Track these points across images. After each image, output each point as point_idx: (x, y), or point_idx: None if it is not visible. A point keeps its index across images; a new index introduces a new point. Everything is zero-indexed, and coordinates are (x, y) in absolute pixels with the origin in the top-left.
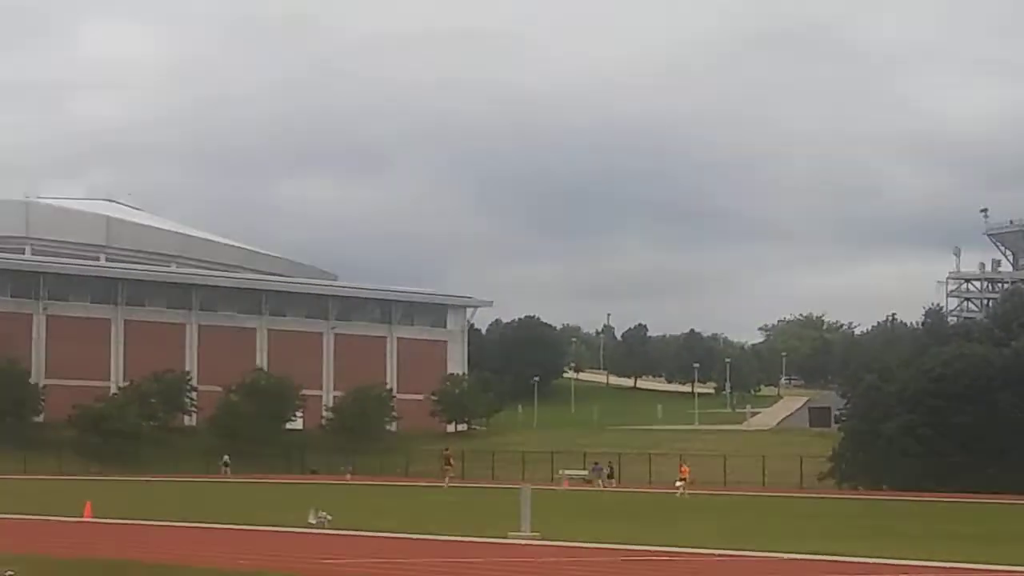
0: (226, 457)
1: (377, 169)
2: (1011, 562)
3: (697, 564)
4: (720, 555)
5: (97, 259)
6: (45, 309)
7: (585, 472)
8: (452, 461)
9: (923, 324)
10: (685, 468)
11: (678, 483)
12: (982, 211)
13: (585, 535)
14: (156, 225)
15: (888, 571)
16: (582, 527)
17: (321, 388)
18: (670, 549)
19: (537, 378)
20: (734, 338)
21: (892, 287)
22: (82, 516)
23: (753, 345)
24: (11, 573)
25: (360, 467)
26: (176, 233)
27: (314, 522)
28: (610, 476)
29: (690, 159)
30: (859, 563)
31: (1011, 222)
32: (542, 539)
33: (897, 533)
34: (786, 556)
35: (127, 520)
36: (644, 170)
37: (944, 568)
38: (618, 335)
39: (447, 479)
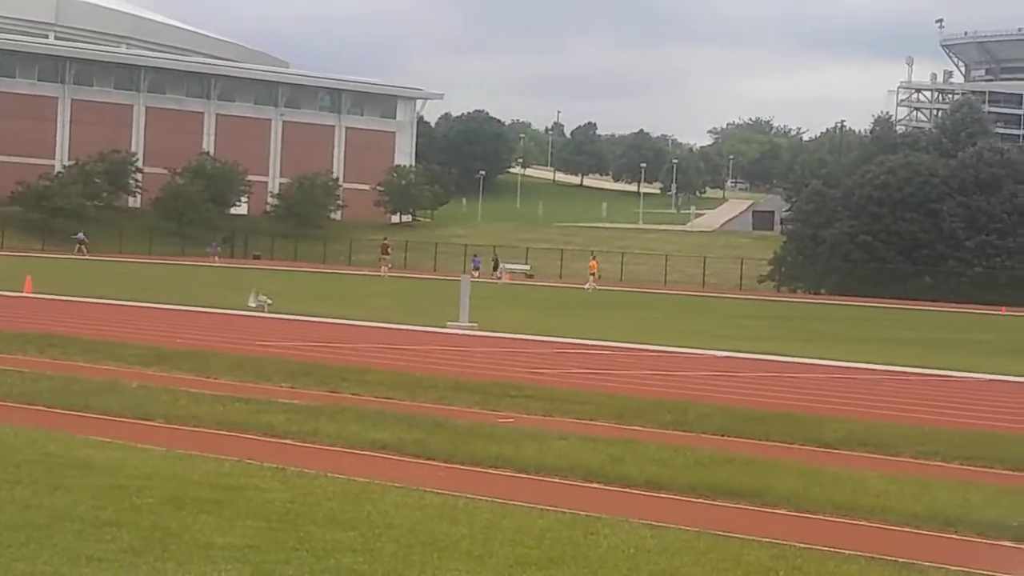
0: (81, 234)
1: None
2: (942, 366)
3: (631, 357)
4: (653, 350)
5: (46, 37)
6: None
7: (527, 267)
8: (390, 251)
9: (871, 132)
10: (593, 263)
11: (590, 277)
12: (937, 21)
13: (523, 327)
14: (107, 5)
15: (819, 370)
16: (520, 319)
17: (267, 175)
18: (602, 342)
19: (483, 172)
20: (682, 140)
21: (842, 94)
22: (21, 291)
23: (701, 147)
24: None
25: (303, 254)
26: (127, 14)
27: (254, 305)
28: (494, 269)
29: None
30: (791, 362)
31: (965, 33)
32: (480, 330)
33: (831, 335)
34: (719, 353)
35: (66, 296)
36: None
37: (875, 370)
38: (567, 132)
39: (384, 269)
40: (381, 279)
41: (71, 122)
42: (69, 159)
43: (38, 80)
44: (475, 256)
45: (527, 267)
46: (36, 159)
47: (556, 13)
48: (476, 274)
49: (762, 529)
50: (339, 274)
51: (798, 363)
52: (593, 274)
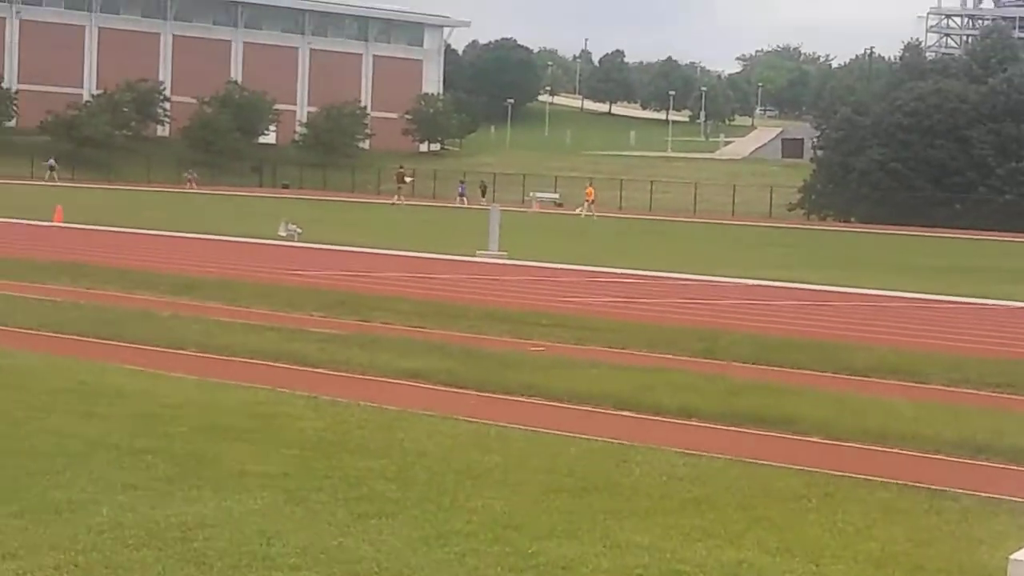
0: (52, 160)
1: None
2: (972, 294)
3: (661, 285)
4: (683, 278)
5: None
6: (18, 13)
7: (556, 195)
8: (406, 179)
9: (901, 59)
10: (590, 189)
11: (586, 203)
12: None
13: (552, 256)
14: None
15: (849, 299)
16: (550, 248)
17: (295, 103)
18: (632, 271)
19: (511, 100)
20: (711, 67)
21: (872, 21)
22: (52, 220)
23: (729, 75)
24: None
25: (332, 183)
26: None
27: (284, 235)
28: (483, 193)
29: None
30: (821, 290)
31: None
32: (509, 258)
33: (861, 263)
34: (750, 281)
35: (97, 226)
36: None
37: (905, 297)
38: (595, 60)
39: (397, 197)
40: (398, 206)
41: (98, 51)
42: (97, 88)
43: (65, 8)
44: (460, 182)
45: (556, 196)
46: (64, 88)
47: None
48: (464, 200)
49: (793, 457)
50: (368, 203)
51: (828, 291)
52: (590, 200)
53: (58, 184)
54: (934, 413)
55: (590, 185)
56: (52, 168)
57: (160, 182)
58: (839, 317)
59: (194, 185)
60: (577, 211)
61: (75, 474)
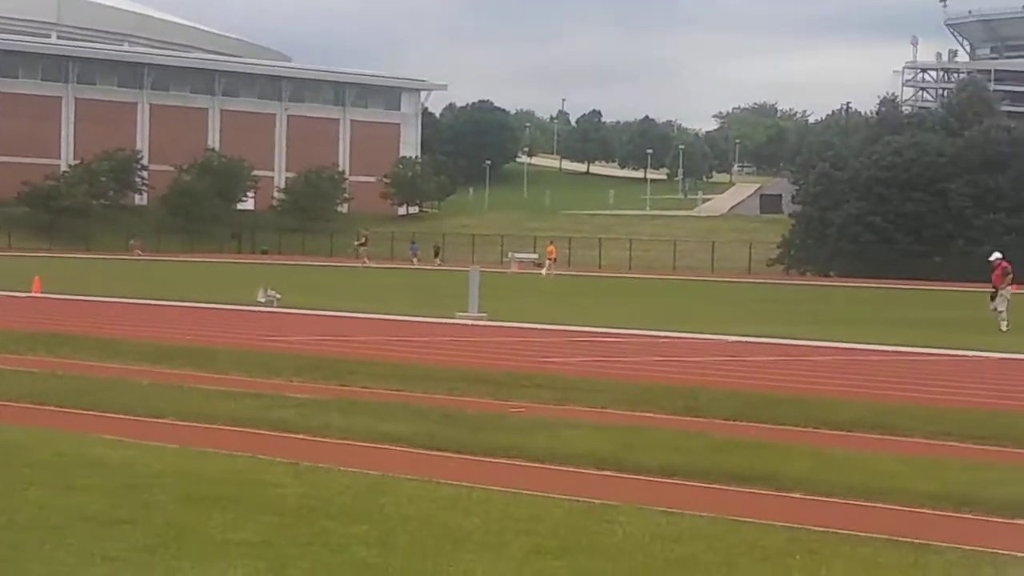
0: None
1: None
2: (952, 346)
3: (640, 343)
4: (663, 336)
5: (48, 36)
6: None
7: (535, 256)
8: (367, 242)
9: (877, 113)
10: (552, 248)
11: (545, 264)
12: (941, 1)
13: (532, 316)
14: (108, 3)
15: (829, 353)
16: (530, 309)
17: (273, 169)
18: (613, 330)
19: (490, 162)
20: (688, 125)
21: (848, 76)
22: (31, 291)
23: (707, 132)
24: None
25: (311, 248)
26: (128, 11)
27: (263, 300)
28: (436, 254)
29: None
30: (801, 345)
31: (970, 12)
32: (489, 320)
33: (841, 317)
34: (730, 338)
35: (75, 296)
36: None
37: (885, 351)
38: (572, 121)
39: (364, 259)
40: (367, 268)
41: (75, 121)
42: (74, 158)
43: (41, 80)
44: (412, 243)
45: (535, 256)
46: (41, 159)
47: (553, 2)
48: (416, 261)
49: (777, 513)
50: (347, 267)
51: (808, 346)
52: (551, 259)
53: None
54: (915, 467)
55: (551, 244)
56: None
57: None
58: (819, 372)
59: (139, 252)
60: (543, 271)
61: (54, 547)
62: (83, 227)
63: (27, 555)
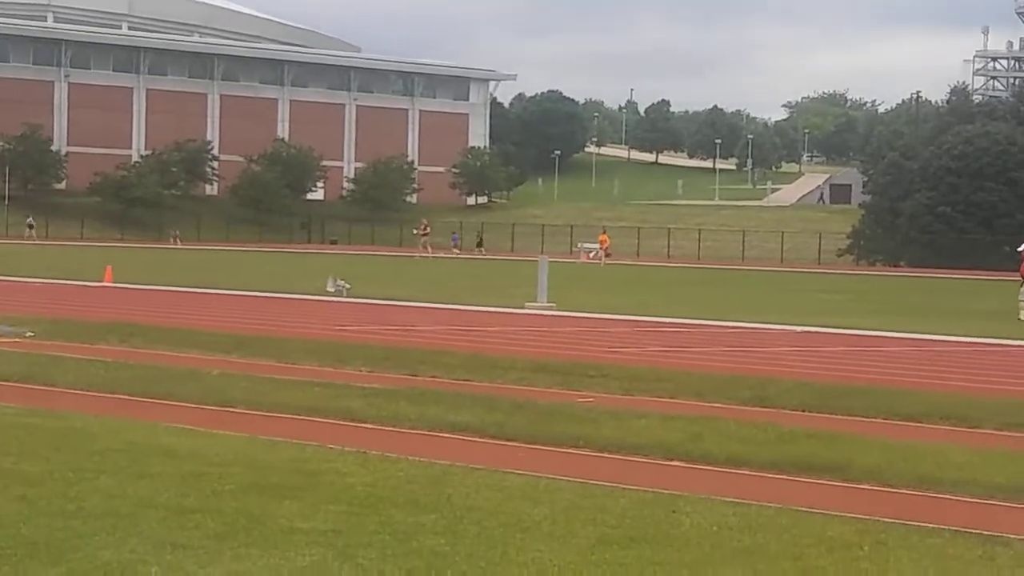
0: (30, 219)
1: None
2: (1021, 336)
3: (709, 333)
4: (732, 326)
5: (119, 27)
6: (67, 77)
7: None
8: (427, 231)
9: (948, 102)
10: (604, 237)
11: (595, 251)
12: None
13: (601, 306)
14: None
15: (899, 343)
16: (598, 299)
17: (342, 159)
18: (681, 320)
19: (558, 152)
20: (757, 115)
21: (918, 65)
22: (102, 281)
23: (776, 122)
24: (31, 334)
25: (380, 238)
26: (199, 2)
27: (332, 290)
28: (479, 245)
29: None
30: (871, 336)
31: None
32: (558, 310)
33: (911, 308)
34: (799, 328)
35: (146, 285)
36: None
37: (956, 342)
38: (641, 110)
39: (425, 249)
40: (426, 259)
41: (147, 112)
42: (146, 149)
43: (113, 71)
44: (454, 233)
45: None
46: (113, 149)
47: None
48: (456, 251)
49: (845, 504)
50: (416, 257)
51: (878, 336)
52: (604, 247)
53: (36, 242)
54: (986, 458)
55: (603, 232)
56: (31, 227)
57: (210, 240)
58: (890, 362)
59: (178, 242)
60: (592, 256)
61: (124, 534)
62: (155, 217)
63: (97, 543)
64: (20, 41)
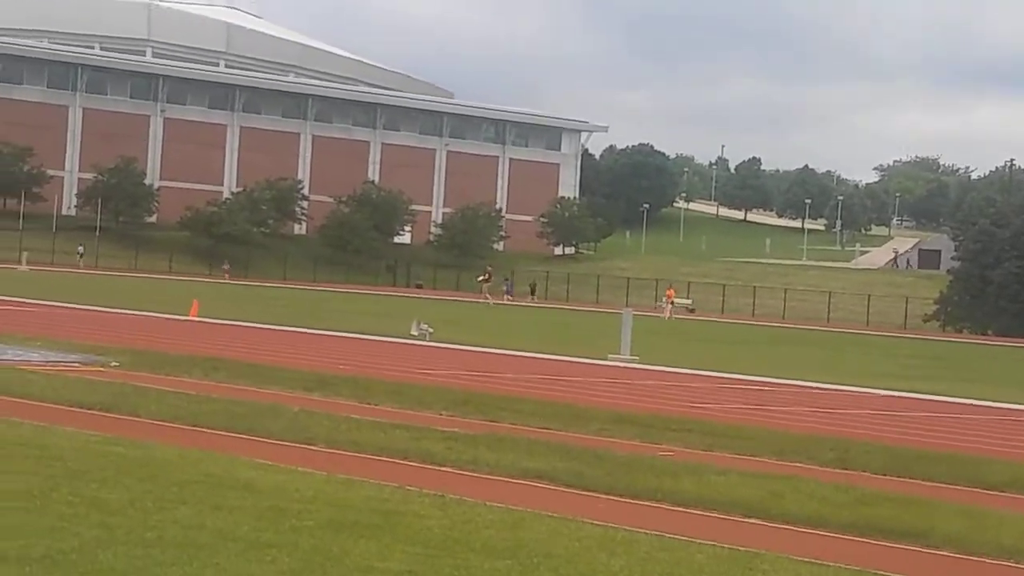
0: (80, 248)
1: None
2: None
3: (792, 393)
4: (815, 387)
5: (216, 65)
6: (163, 111)
7: (689, 301)
8: (490, 277)
9: None
10: (671, 291)
11: (667, 305)
12: None
13: (685, 361)
14: (275, 34)
15: (984, 412)
16: (682, 353)
17: (431, 204)
18: (766, 379)
19: (647, 206)
20: (848, 176)
21: (1012, 132)
22: (188, 315)
23: (867, 184)
24: (116, 364)
25: (465, 284)
26: (295, 43)
27: (416, 334)
28: (532, 292)
29: None
30: (955, 403)
31: None
32: (641, 363)
33: (997, 377)
34: (882, 392)
35: (232, 321)
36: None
37: None
38: (731, 167)
39: (488, 295)
40: (488, 305)
41: (240, 149)
42: (237, 186)
43: (208, 107)
44: (506, 279)
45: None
46: (205, 185)
47: (710, 47)
48: (507, 297)
49: (925, 570)
50: (500, 304)
51: (963, 404)
52: (670, 302)
53: (84, 271)
54: None
55: (671, 287)
56: (80, 255)
57: (296, 279)
58: (974, 430)
59: (228, 277)
60: (664, 315)
61: (202, 565)
62: (243, 254)
63: (175, 572)
64: (118, 75)
